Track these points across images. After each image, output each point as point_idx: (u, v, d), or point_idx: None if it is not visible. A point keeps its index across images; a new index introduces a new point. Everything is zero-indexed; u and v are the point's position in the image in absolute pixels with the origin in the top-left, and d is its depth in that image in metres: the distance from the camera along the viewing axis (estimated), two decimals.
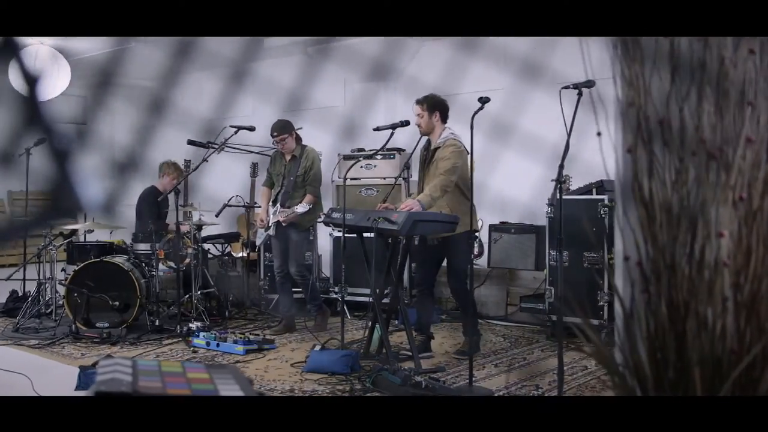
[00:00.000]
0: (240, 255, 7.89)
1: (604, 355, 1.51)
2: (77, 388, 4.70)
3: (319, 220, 6.50)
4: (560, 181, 3.99)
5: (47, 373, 5.16)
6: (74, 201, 0.78)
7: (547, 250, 6.36)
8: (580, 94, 4.18)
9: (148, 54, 6.68)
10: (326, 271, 7.94)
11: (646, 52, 1.58)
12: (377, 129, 5.57)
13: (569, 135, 4.00)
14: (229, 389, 1.82)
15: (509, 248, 7.10)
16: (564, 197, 6.39)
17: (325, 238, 7.71)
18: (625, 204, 1.49)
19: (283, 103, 10.04)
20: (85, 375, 4.74)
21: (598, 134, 1.52)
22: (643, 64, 1.53)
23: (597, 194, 6.09)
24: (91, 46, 9.46)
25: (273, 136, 6.44)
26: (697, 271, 1.37)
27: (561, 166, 3.97)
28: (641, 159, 1.45)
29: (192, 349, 5.80)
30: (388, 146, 5.67)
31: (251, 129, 6.34)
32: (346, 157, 7.61)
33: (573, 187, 6.58)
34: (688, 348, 1.37)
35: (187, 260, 6.62)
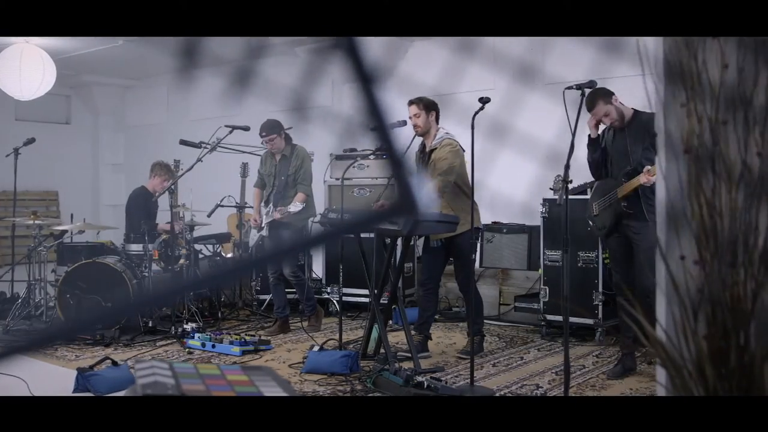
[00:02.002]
0: (229, 255, 7.85)
1: (668, 355, 1.51)
2: (75, 391, 4.65)
3: (315, 220, 6.48)
4: (566, 181, 4.01)
5: (42, 376, 5.09)
6: (413, 204, 0.76)
7: (541, 250, 6.38)
8: (582, 94, 4.20)
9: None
10: (317, 271, 7.92)
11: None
12: (374, 129, 5.55)
13: (573, 135, 4.01)
14: (272, 390, 1.81)
15: (501, 248, 7.12)
16: (557, 197, 6.46)
17: None
18: (679, 204, 1.49)
19: (278, 103, 10.01)
20: (83, 377, 4.69)
21: (654, 135, 1.51)
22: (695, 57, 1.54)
23: (590, 194, 6.10)
24: (77, 45, 9.37)
25: (261, 136, 6.41)
26: (766, 269, 1.38)
27: (567, 167, 3.99)
28: (699, 158, 1.46)
29: (187, 350, 5.76)
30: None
31: (246, 129, 6.31)
32: (338, 157, 7.59)
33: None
34: (753, 346, 1.38)
35: (182, 261, 6.58)
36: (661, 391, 1.69)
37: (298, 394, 1.75)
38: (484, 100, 4.78)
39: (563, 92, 4.15)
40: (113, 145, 12.00)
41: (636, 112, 4.83)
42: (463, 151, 5.36)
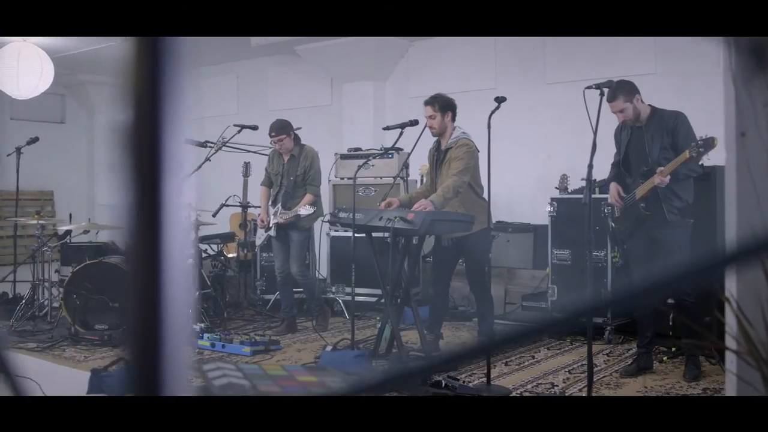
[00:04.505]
0: (231, 255, 7.81)
1: (762, 356, 1.52)
2: (89, 392, 4.61)
3: (325, 220, 6.46)
4: (590, 180, 4.01)
5: (53, 377, 5.05)
6: None
7: (549, 249, 6.40)
8: (602, 94, 4.21)
9: None
10: (321, 270, 7.89)
11: None
12: (387, 128, 5.56)
13: (595, 134, 4.02)
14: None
15: (507, 247, 7.13)
16: (566, 196, 6.49)
17: (318, 237, 7.66)
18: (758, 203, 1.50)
19: (269, 102, 9.99)
20: (98, 378, 4.65)
21: (743, 134, 1.52)
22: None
23: (600, 193, 6.13)
24: (73, 44, 9.30)
25: (271, 136, 6.39)
26: None
27: (590, 166, 4.00)
28: None
29: (197, 350, 5.73)
30: (385, 146, 5.68)
31: (254, 128, 6.29)
32: (343, 157, 7.57)
33: (572, 187, 6.65)
34: None
35: (190, 261, 6.52)
36: (731, 390, 1.70)
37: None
38: (499, 99, 4.79)
39: (583, 91, 4.16)
40: (108, 145, 11.92)
41: (654, 109, 4.82)
42: (478, 151, 5.36)
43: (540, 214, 6.92)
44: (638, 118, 4.81)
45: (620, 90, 4.73)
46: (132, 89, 0.38)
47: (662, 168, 4.52)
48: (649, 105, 4.83)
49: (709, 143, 4.31)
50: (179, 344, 0.41)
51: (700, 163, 4.63)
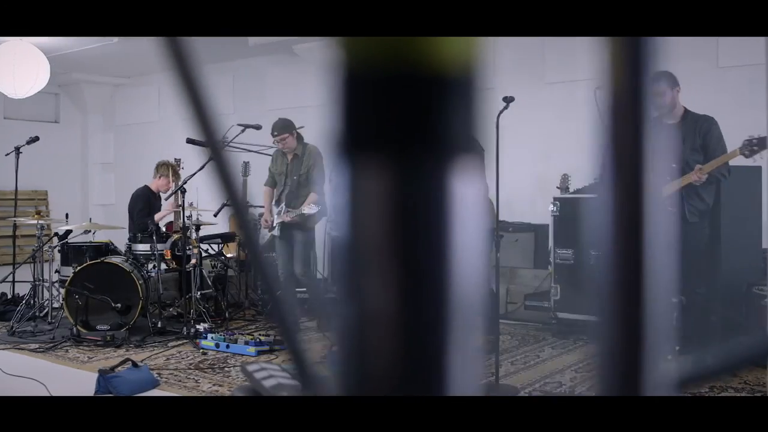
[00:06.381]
0: (231, 255, 7.79)
1: None
2: (97, 393, 4.59)
3: (330, 219, 6.45)
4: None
5: (59, 378, 5.02)
6: None
7: (552, 248, 6.42)
8: None
9: None
10: (321, 270, 7.89)
11: None
12: None
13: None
14: None
15: (508, 247, 7.14)
16: (567, 196, 6.51)
17: (321, 238, 7.66)
18: None
19: (266, 101, 9.96)
20: (105, 379, 4.62)
21: None
22: None
23: None
24: (67, 43, 9.25)
25: (273, 135, 6.38)
26: None
27: (602, 165, 4.00)
28: None
29: (201, 351, 5.71)
30: None
31: (257, 127, 6.27)
32: None
33: (573, 187, 6.67)
34: None
35: (194, 261, 6.51)
36: None
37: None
38: (507, 99, 4.79)
39: (594, 92, 4.16)
40: (103, 144, 11.86)
41: (686, 110, 4.85)
42: (483, 150, 5.37)
43: (540, 213, 6.94)
44: (671, 112, 4.81)
45: (664, 75, 4.76)
46: (613, 89, 0.38)
47: (701, 165, 4.51)
48: (683, 105, 4.86)
49: (763, 142, 4.29)
50: (659, 352, 0.40)
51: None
